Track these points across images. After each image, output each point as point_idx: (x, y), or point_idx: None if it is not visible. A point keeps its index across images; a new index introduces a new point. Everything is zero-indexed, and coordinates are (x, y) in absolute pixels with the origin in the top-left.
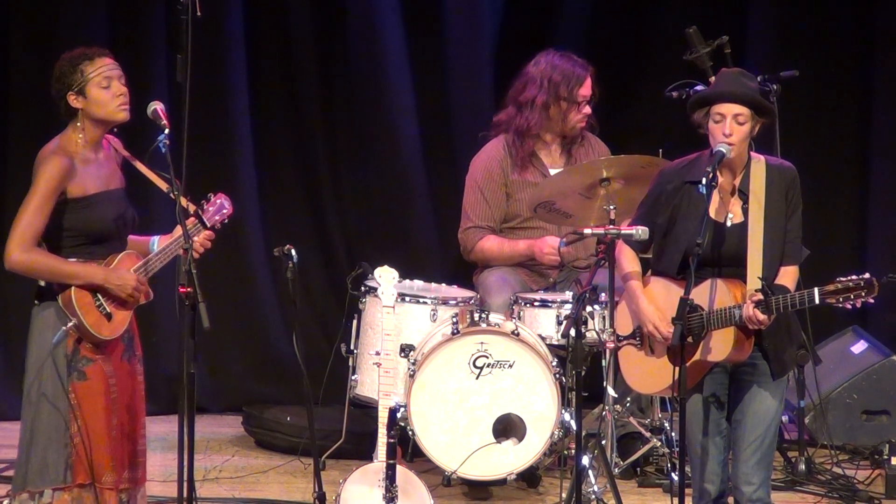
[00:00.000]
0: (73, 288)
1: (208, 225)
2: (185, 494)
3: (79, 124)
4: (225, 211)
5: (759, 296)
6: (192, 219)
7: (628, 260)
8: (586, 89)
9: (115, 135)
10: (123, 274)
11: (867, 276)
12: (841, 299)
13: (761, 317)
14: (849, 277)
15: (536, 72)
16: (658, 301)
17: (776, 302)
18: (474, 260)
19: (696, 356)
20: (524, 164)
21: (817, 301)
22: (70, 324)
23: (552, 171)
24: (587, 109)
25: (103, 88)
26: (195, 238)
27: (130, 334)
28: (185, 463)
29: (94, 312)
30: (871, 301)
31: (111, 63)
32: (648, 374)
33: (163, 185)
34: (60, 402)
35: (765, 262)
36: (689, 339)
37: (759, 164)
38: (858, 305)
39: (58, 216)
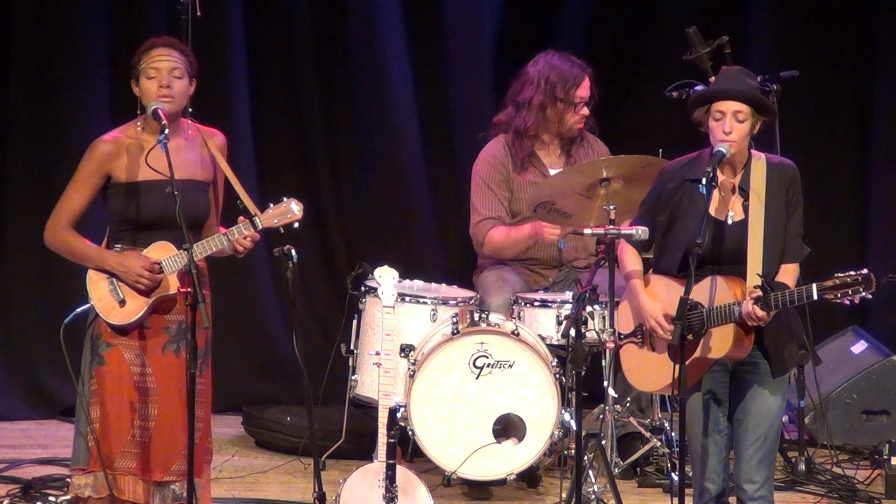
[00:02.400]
0: (89, 271)
1: (259, 227)
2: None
3: (138, 112)
4: (290, 216)
5: (759, 292)
6: (243, 218)
7: (630, 258)
8: (583, 91)
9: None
10: (129, 260)
11: (865, 271)
12: (839, 295)
13: (760, 313)
14: (846, 273)
15: (535, 72)
16: (659, 298)
17: (775, 298)
18: (487, 254)
19: (697, 353)
20: (524, 165)
21: (815, 297)
22: (86, 306)
23: (552, 172)
24: (585, 111)
25: (149, 79)
26: (240, 237)
27: (184, 327)
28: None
29: (106, 297)
30: (870, 296)
31: (167, 55)
32: (649, 371)
33: (241, 191)
34: (85, 387)
35: (765, 259)
36: (690, 337)
37: (759, 161)
38: (857, 301)
39: (108, 200)
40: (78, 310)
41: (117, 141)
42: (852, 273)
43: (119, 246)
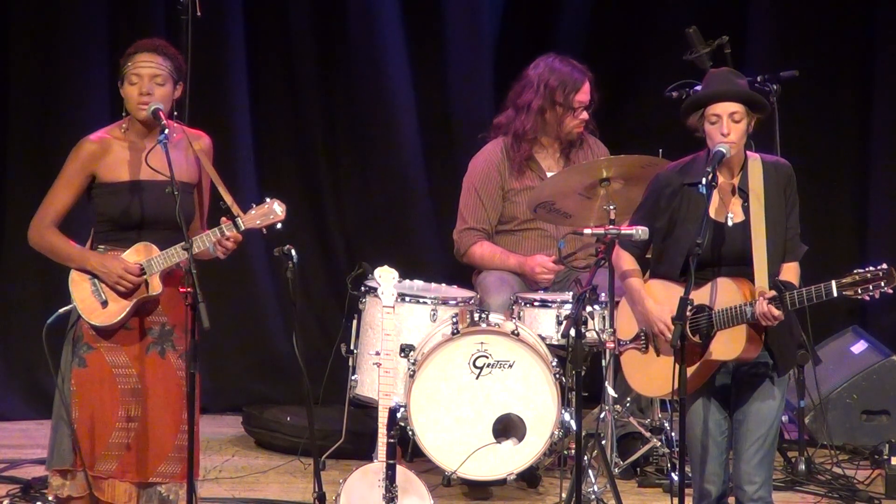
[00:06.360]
0: (72, 271)
1: (241, 227)
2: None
3: (123, 114)
4: (273, 217)
5: (773, 292)
6: (226, 219)
7: (627, 262)
8: (583, 95)
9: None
10: (110, 261)
11: (885, 266)
12: (859, 290)
13: (776, 312)
14: (866, 269)
15: (535, 75)
16: (659, 302)
17: (791, 297)
18: (466, 262)
19: (705, 356)
20: (521, 168)
21: (835, 294)
22: (69, 307)
23: (549, 175)
24: (584, 115)
25: (132, 85)
26: (217, 239)
27: (168, 328)
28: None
29: (88, 298)
30: (891, 291)
31: (150, 61)
32: (654, 376)
33: (224, 193)
34: (65, 387)
35: (768, 259)
36: (697, 339)
37: (755, 162)
38: (877, 296)
39: (92, 200)
40: (61, 310)
41: (103, 141)
42: (872, 268)
43: (102, 247)
